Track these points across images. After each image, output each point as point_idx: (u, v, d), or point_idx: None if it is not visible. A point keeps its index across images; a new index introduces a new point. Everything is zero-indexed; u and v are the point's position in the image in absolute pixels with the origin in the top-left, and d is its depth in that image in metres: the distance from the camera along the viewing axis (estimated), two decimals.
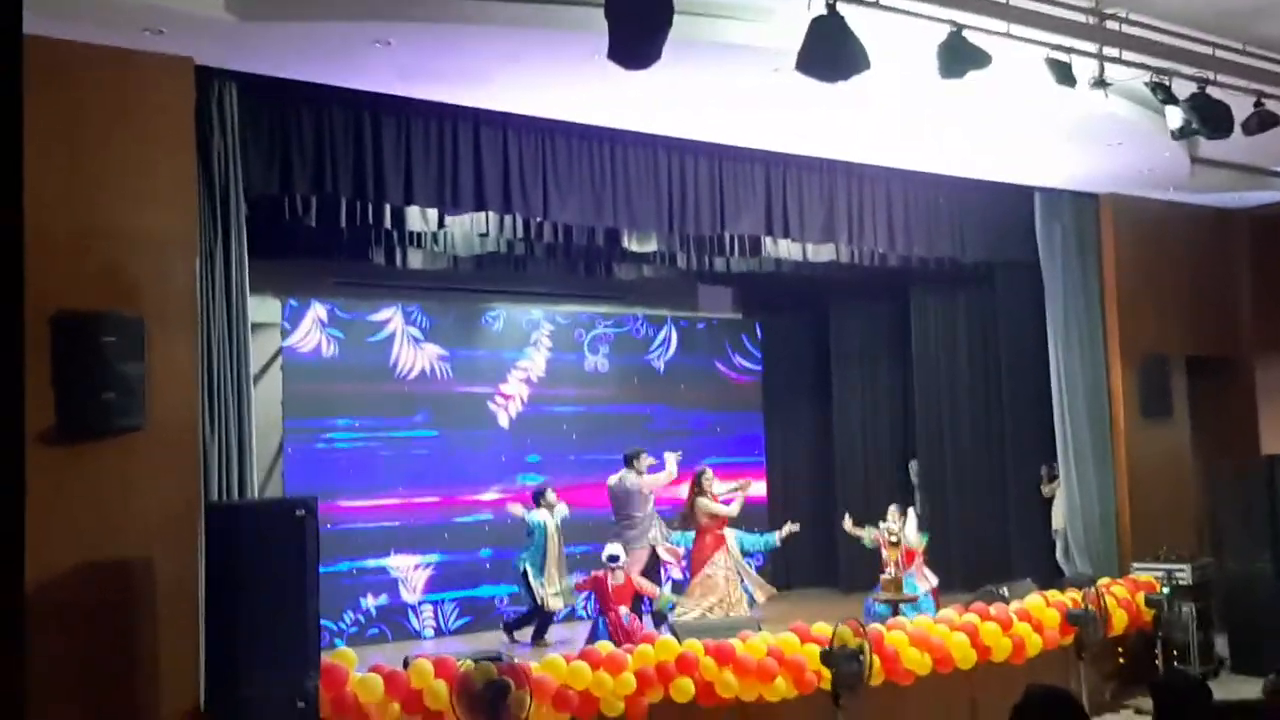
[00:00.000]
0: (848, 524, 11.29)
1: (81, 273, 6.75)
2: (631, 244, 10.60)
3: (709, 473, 11.15)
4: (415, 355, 11.99)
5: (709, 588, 10.62)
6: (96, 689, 6.61)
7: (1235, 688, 9.38)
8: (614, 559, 10.24)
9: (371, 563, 11.44)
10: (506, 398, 12.54)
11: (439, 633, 11.72)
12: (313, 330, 11.37)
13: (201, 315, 7.39)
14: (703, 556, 10.76)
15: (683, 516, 11.05)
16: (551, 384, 12.87)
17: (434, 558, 11.84)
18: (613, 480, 11.25)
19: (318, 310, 11.43)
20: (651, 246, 10.85)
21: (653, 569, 11.13)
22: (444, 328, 12.24)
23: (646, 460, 11.32)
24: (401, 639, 11.23)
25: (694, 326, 14.10)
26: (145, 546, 6.87)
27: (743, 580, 10.78)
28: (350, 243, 10.32)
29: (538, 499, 11.29)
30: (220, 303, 7.62)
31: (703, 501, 10.85)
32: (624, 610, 10.04)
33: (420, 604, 11.72)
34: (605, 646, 8.10)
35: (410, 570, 11.69)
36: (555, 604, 11.06)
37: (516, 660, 7.31)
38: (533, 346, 12.82)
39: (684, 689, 7.84)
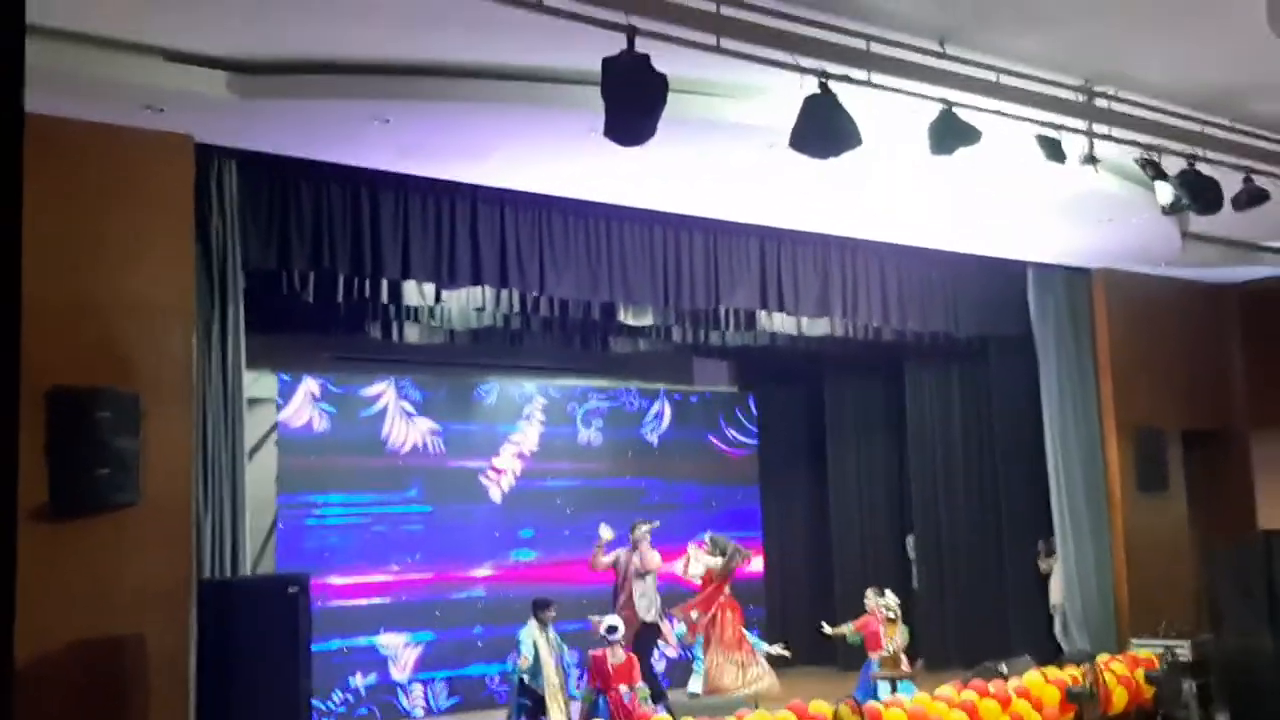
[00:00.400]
0: (826, 630, 11.03)
1: (77, 347, 6.76)
2: (627, 318, 10.65)
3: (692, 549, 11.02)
4: (408, 429, 11.93)
5: (721, 655, 10.46)
6: None
7: None
8: (613, 630, 9.89)
9: (361, 640, 11.27)
10: (499, 472, 12.46)
11: (429, 712, 11.53)
12: (305, 405, 11.32)
13: (197, 390, 7.39)
14: (707, 630, 10.65)
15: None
16: (544, 458, 12.78)
17: (425, 635, 11.68)
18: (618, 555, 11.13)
19: (310, 385, 11.38)
20: (647, 320, 10.90)
21: (645, 643, 10.88)
22: (437, 401, 12.19)
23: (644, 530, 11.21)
24: (391, 719, 11.07)
25: (687, 399, 14.09)
26: (137, 622, 6.81)
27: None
28: (347, 317, 10.34)
29: (537, 610, 10.06)
30: (216, 377, 7.63)
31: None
32: (624, 689, 9.87)
33: (410, 683, 11.53)
34: None
35: (400, 648, 11.53)
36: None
37: None
38: (525, 420, 12.74)
39: None
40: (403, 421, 11.87)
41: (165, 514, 7.01)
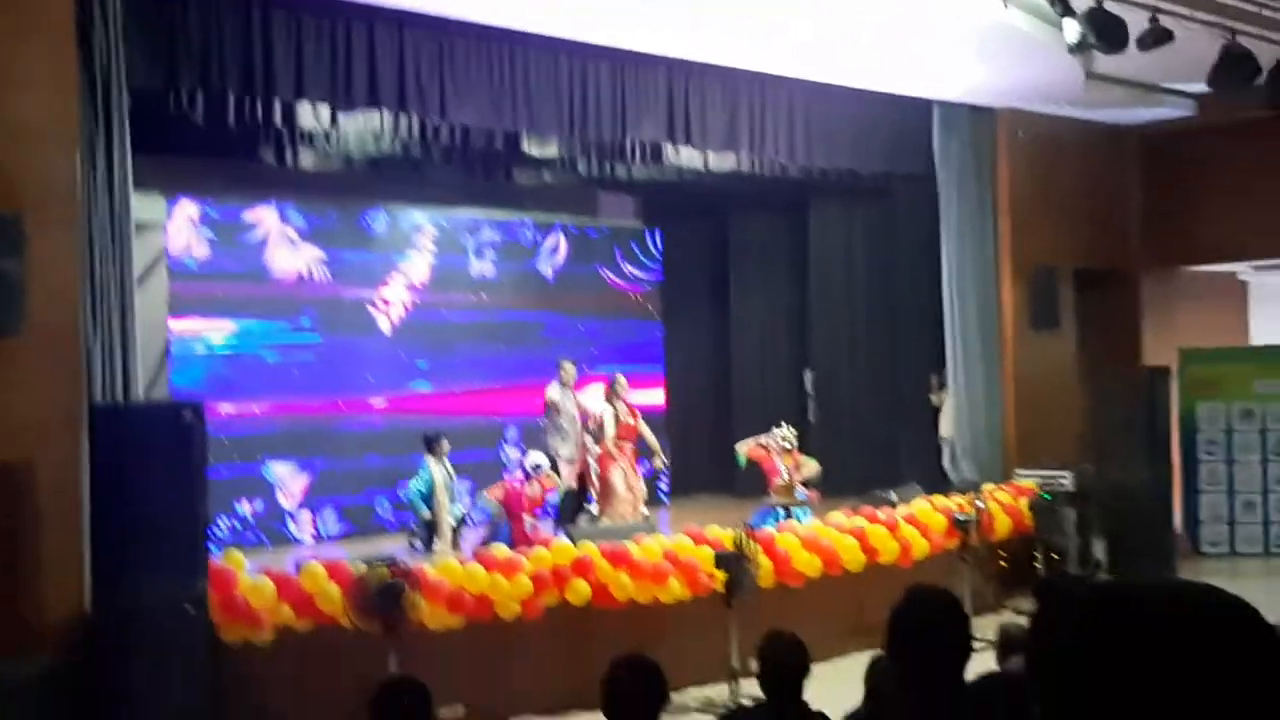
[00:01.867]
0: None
1: None
2: (531, 148, 10.45)
3: (622, 380, 11.17)
4: (292, 257, 11.58)
5: (611, 499, 10.72)
6: None
7: None
8: (537, 467, 10.32)
9: (250, 469, 11.14)
10: (387, 303, 12.20)
11: (318, 539, 11.49)
12: (184, 229, 10.92)
13: (82, 213, 7.14)
14: (604, 471, 10.85)
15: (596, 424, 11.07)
16: (436, 289, 12.52)
17: (316, 464, 11.57)
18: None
19: (188, 208, 10.97)
20: (552, 151, 10.72)
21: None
22: (323, 229, 11.81)
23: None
24: (280, 545, 11.00)
25: (584, 233, 13.86)
26: (27, 449, 6.69)
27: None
28: (240, 141, 9.99)
29: (430, 445, 10.69)
30: (102, 200, 7.37)
31: (610, 409, 10.90)
32: (529, 520, 10.06)
33: (299, 509, 11.48)
34: (501, 550, 8.13)
35: (289, 476, 11.44)
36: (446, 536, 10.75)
37: (410, 564, 7.31)
38: (415, 250, 12.46)
39: (580, 591, 7.91)
40: (286, 249, 11.54)
41: (53, 340, 6.83)
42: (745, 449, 11.01)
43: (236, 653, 6.98)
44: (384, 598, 6.86)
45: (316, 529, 11.54)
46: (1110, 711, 1.06)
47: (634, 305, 14.15)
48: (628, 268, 14.10)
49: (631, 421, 11.08)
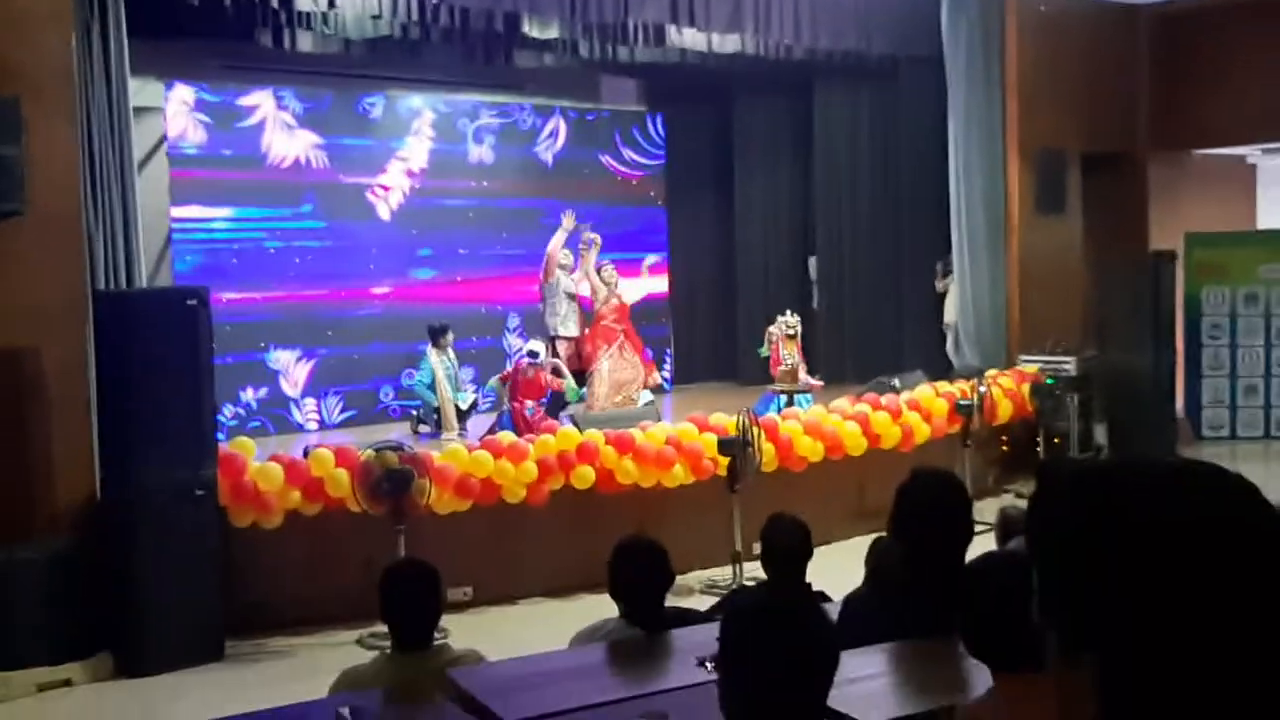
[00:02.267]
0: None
1: None
2: (532, 30, 10.29)
3: (611, 270, 11.10)
4: (289, 142, 11.36)
5: (601, 381, 10.71)
6: None
7: None
8: (534, 355, 10.36)
9: (253, 356, 11.10)
10: (386, 189, 12.03)
11: (322, 425, 11.51)
12: (181, 114, 10.73)
13: (80, 96, 7.07)
14: (594, 352, 10.83)
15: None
16: (435, 175, 12.32)
17: (319, 351, 11.52)
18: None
19: (184, 93, 10.75)
20: (553, 33, 10.56)
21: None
22: (319, 114, 11.58)
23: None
24: (284, 432, 11.04)
25: (584, 118, 13.61)
26: (33, 334, 6.73)
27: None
28: (237, 23, 9.83)
29: (434, 336, 10.85)
30: (100, 84, 7.31)
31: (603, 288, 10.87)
32: (528, 404, 10.14)
33: (303, 397, 11.47)
34: (507, 436, 8.19)
35: (292, 363, 11.41)
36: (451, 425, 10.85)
37: (418, 450, 7.37)
38: (414, 136, 12.24)
39: (584, 477, 7.98)
40: (284, 134, 11.36)
41: (54, 225, 6.82)
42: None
43: (245, 536, 7.08)
44: (392, 483, 6.93)
45: (321, 416, 11.58)
46: (1108, 588, 1.07)
47: (636, 191, 14.00)
48: (628, 153, 13.91)
49: (617, 302, 10.96)
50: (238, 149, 11.10)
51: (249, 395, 11.07)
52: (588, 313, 11.29)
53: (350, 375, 11.72)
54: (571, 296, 11.46)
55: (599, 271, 10.99)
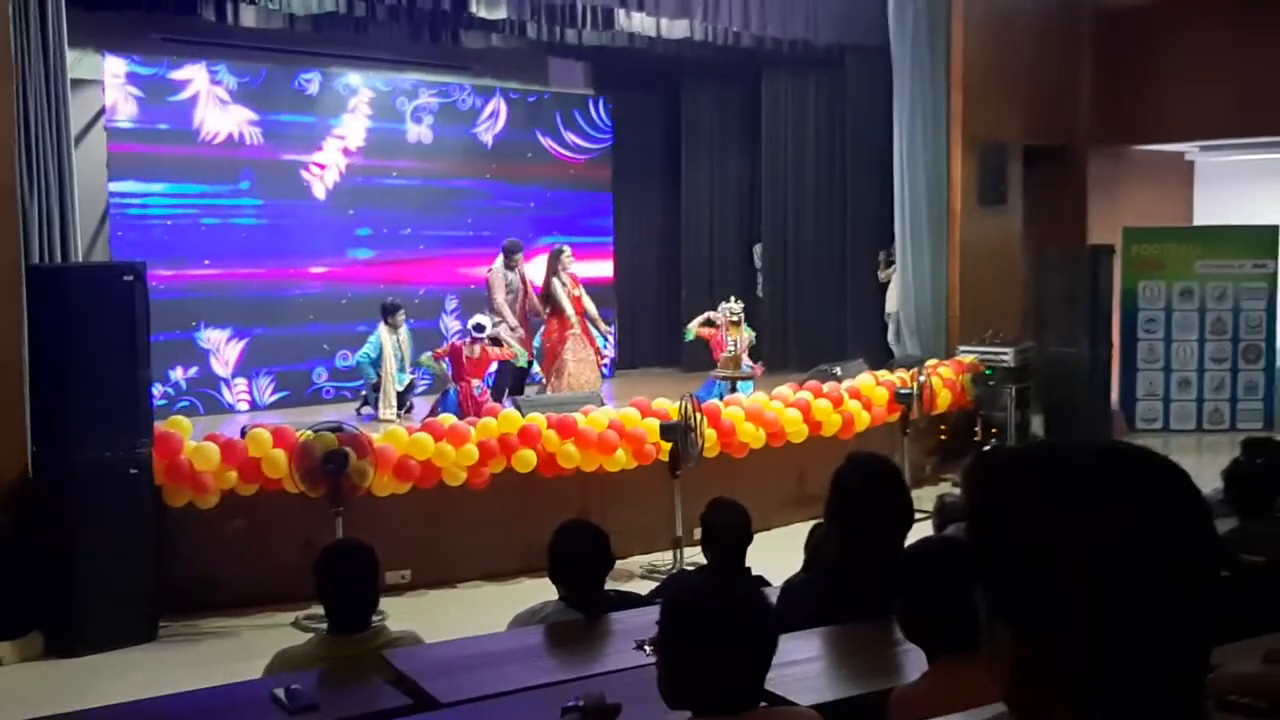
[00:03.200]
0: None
1: None
2: (479, 10, 10.21)
3: (567, 251, 11.01)
4: (223, 118, 11.14)
5: (561, 375, 10.71)
6: None
7: None
8: (479, 328, 10.25)
9: (183, 335, 10.88)
10: (322, 167, 11.86)
11: (253, 407, 11.34)
12: (113, 87, 10.51)
13: (15, 67, 6.92)
14: (552, 346, 10.79)
15: (541, 297, 10.98)
16: (372, 154, 12.16)
17: (252, 330, 11.36)
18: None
19: (115, 65, 10.52)
20: (501, 13, 10.47)
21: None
22: (253, 89, 11.36)
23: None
24: (213, 413, 10.84)
25: (524, 100, 13.47)
26: None
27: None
28: None
29: (386, 314, 10.73)
30: (37, 55, 7.15)
31: (554, 283, 10.79)
32: (475, 383, 10.08)
33: (234, 377, 11.30)
34: (448, 419, 8.14)
35: (223, 343, 11.22)
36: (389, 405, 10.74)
37: (357, 431, 7.31)
38: (350, 114, 12.07)
39: (526, 460, 7.96)
40: (218, 109, 11.13)
41: None
42: (694, 326, 10.99)
43: (180, 516, 6.99)
44: (330, 464, 6.87)
45: (252, 396, 11.40)
46: (1043, 567, 1.08)
47: (580, 175, 13.94)
48: (571, 136, 13.80)
49: (578, 293, 10.99)
50: (173, 123, 10.90)
51: (178, 374, 10.86)
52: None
53: (283, 356, 11.55)
54: (516, 295, 11.24)
55: (559, 263, 10.88)
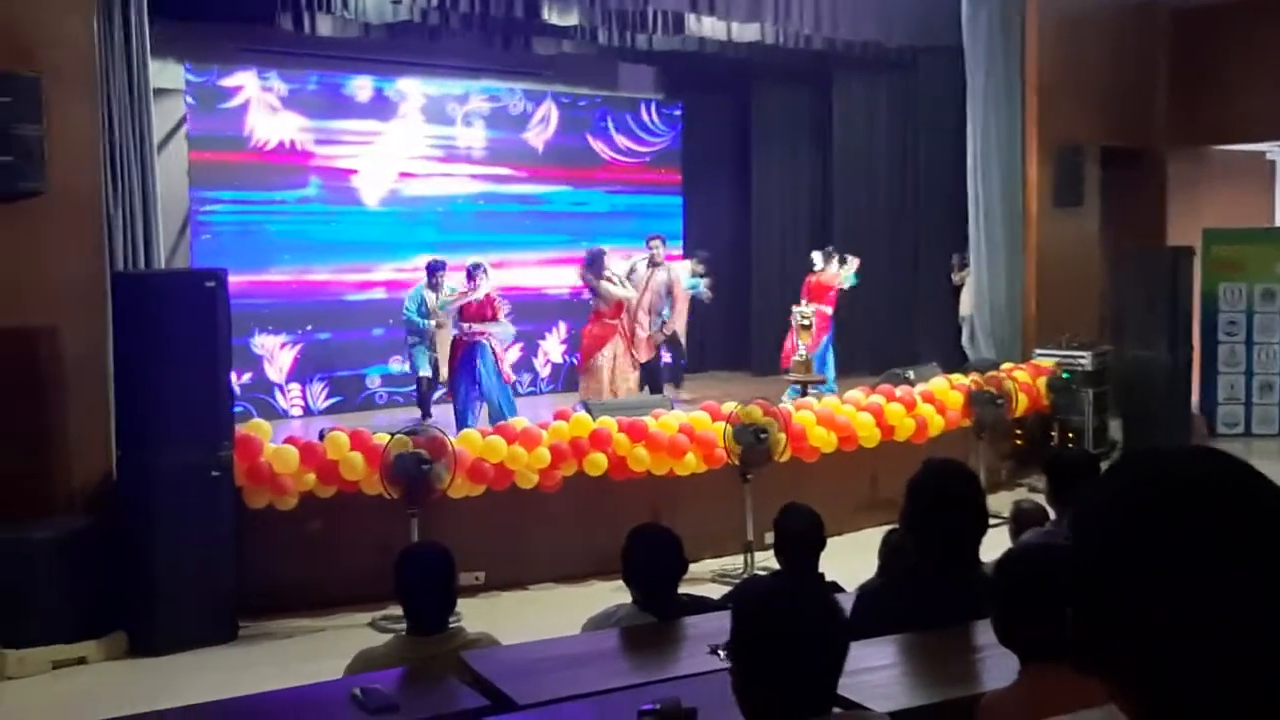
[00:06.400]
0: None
1: None
2: (551, 16, 10.28)
3: (605, 253, 10.96)
4: (275, 124, 11.33)
5: (593, 375, 10.66)
6: (5, 459, 6.57)
7: None
8: (477, 265, 10.08)
9: (237, 341, 11.00)
10: (384, 175, 12.02)
11: (306, 412, 11.47)
12: (191, 96, 10.79)
13: (101, 77, 7.10)
14: (592, 346, 10.76)
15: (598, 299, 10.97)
16: (433, 161, 12.34)
17: (304, 337, 11.52)
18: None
19: (194, 75, 10.77)
20: (573, 19, 10.55)
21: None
22: (308, 96, 11.56)
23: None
24: (268, 418, 10.94)
25: (576, 103, 13.52)
26: (52, 314, 6.77)
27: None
28: (259, 7, 9.87)
29: (431, 271, 10.62)
30: (121, 65, 7.33)
31: (605, 286, 10.76)
32: (466, 325, 9.94)
33: (287, 383, 11.45)
34: (520, 422, 8.19)
35: (277, 348, 11.38)
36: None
37: (435, 434, 7.38)
38: (413, 120, 12.23)
39: (597, 464, 7.99)
40: (280, 117, 11.31)
41: (74, 205, 6.86)
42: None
43: (260, 518, 7.10)
44: (408, 467, 6.94)
45: (305, 402, 11.53)
46: (1148, 574, 1.07)
47: (646, 179, 13.98)
48: (623, 139, 13.81)
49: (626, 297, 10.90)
50: (239, 131, 11.09)
51: (232, 380, 11.01)
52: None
53: (336, 361, 11.68)
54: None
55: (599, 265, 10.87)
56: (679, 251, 14.02)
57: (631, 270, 11.36)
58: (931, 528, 3.36)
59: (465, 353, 9.87)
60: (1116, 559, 1.10)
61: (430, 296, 10.56)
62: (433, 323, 10.44)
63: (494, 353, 9.99)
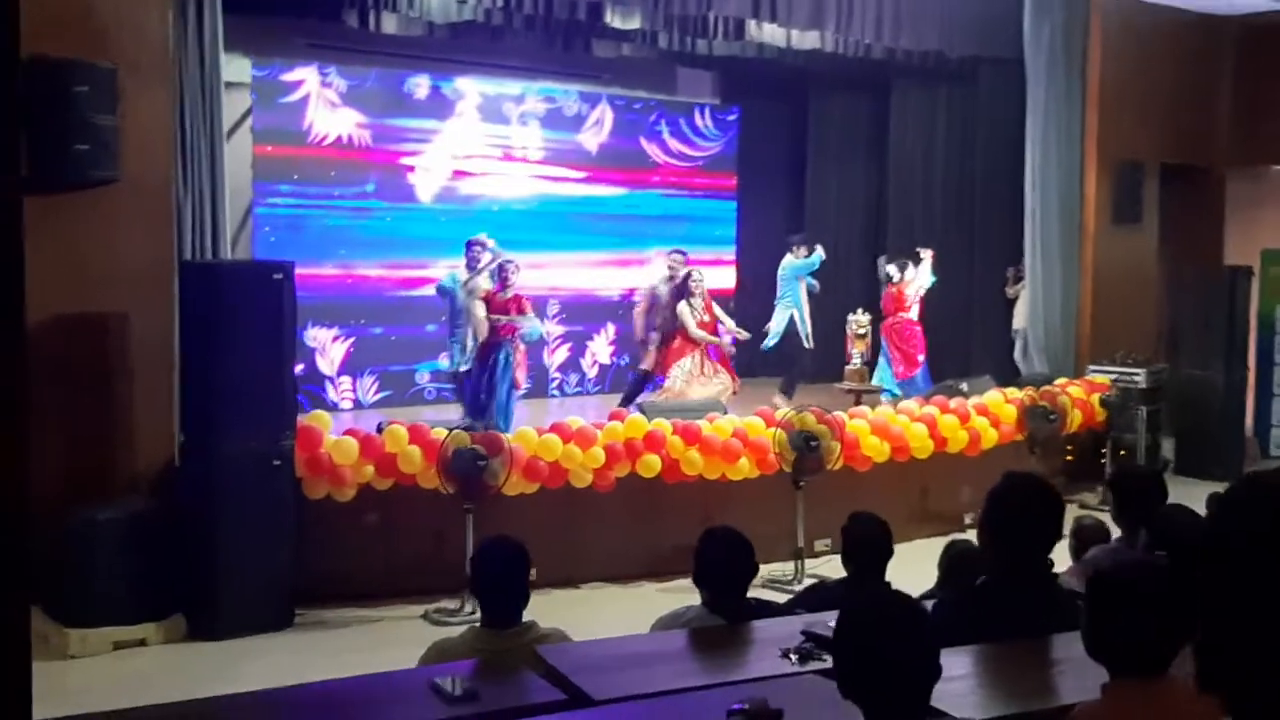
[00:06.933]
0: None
1: (52, 18, 6.48)
2: (614, 20, 10.32)
3: (696, 275, 10.74)
4: (334, 120, 11.41)
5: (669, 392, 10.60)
6: (73, 443, 6.68)
7: (1179, 489, 9.72)
8: (509, 261, 9.87)
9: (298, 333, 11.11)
10: (440, 171, 12.08)
11: (356, 406, 11.53)
12: (258, 90, 10.91)
13: (174, 70, 7.21)
14: (667, 360, 10.69)
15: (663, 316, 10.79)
16: (487, 160, 12.37)
17: (356, 330, 11.59)
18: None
19: (262, 69, 10.89)
20: (635, 24, 10.58)
21: None
22: (365, 93, 11.60)
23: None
24: (318, 410, 11.07)
25: (630, 105, 13.52)
26: (121, 300, 6.88)
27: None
28: (324, 4, 9.97)
29: (469, 248, 10.35)
30: (194, 57, 7.45)
31: (683, 309, 10.60)
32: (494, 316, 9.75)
33: (338, 376, 11.53)
34: (575, 421, 8.22)
35: (329, 341, 11.47)
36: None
37: (491, 430, 7.43)
38: (469, 119, 12.26)
39: (651, 465, 8.02)
40: (342, 113, 11.40)
41: (145, 193, 6.98)
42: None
43: (318, 508, 7.17)
44: (465, 462, 6.99)
45: (355, 395, 11.62)
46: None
47: (701, 183, 14.01)
48: (675, 143, 13.77)
49: (708, 319, 10.81)
50: (299, 126, 11.21)
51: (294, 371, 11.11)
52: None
53: (387, 356, 11.76)
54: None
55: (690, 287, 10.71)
56: (731, 256, 14.05)
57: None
58: (1012, 538, 3.37)
59: (490, 347, 9.78)
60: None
61: (463, 275, 10.42)
62: (462, 292, 10.31)
63: (514, 357, 9.85)
